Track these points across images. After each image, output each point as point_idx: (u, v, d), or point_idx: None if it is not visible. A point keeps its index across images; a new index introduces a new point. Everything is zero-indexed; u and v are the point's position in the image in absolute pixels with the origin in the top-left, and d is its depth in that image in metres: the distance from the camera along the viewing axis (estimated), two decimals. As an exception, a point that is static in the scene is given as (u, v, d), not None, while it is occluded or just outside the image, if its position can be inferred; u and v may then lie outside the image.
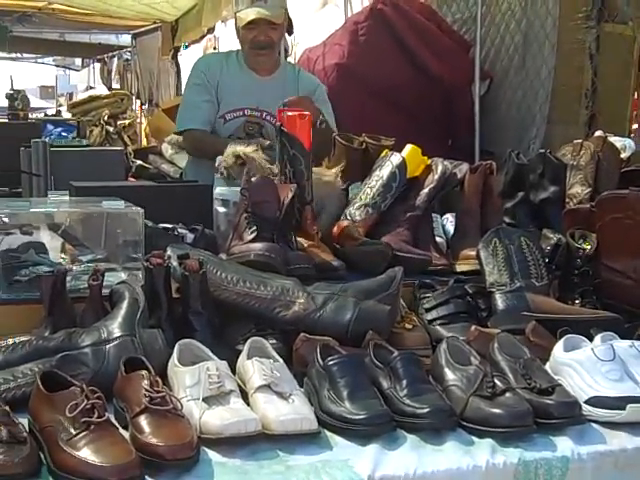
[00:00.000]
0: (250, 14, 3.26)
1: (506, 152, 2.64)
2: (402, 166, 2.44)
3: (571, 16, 4.16)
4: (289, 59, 5.36)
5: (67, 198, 2.53)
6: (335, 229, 2.35)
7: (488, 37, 4.59)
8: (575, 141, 2.88)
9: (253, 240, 2.12)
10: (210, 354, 1.69)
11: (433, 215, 2.59)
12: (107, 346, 1.68)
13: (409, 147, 2.53)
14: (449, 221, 2.69)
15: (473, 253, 2.24)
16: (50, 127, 8.86)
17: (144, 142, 8.96)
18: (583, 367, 1.70)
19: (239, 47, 3.44)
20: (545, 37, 4.27)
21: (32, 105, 12.11)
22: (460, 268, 2.35)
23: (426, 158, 2.53)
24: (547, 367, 1.76)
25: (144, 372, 1.52)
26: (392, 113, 4.02)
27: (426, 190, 2.45)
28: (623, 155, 2.90)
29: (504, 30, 4.53)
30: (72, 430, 1.37)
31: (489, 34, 4.60)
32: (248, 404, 1.57)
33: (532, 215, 2.56)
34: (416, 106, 4.33)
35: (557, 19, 4.25)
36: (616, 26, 3.94)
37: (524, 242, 2.14)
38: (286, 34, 3.80)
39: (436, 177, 2.47)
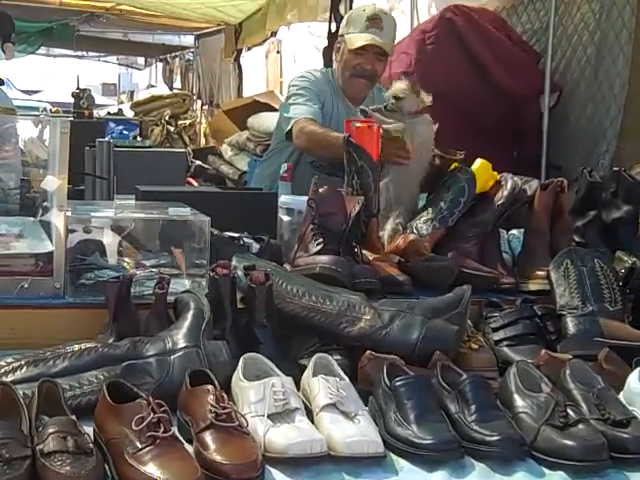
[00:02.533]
0: (362, 39, 3.09)
1: (574, 166, 2.59)
2: (472, 181, 2.40)
3: (647, 30, 4.06)
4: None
5: (133, 202, 2.54)
6: (401, 242, 2.31)
7: (559, 48, 4.48)
8: (650, 159, 2.79)
9: (319, 252, 2.10)
10: (275, 369, 1.67)
11: (499, 230, 2.54)
12: (172, 357, 1.68)
13: (479, 162, 2.48)
14: (515, 237, 2.62)
15: (542, 273, 2.19)
16: (112, 125, 9.01)
17: (203, 142, 9.04)
18: (660, 399, 1.64)
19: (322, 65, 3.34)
20: (620, 50, 4.15)
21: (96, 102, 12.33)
22: (529, 287, 2.29)
23: (496, 174, 2.47)
24: (621, 397, 1.70)
25: (210, 387, 1.50)
26: (459, 123, 3.93)
27: (495, 206, 2.39)
28: (701, 174, 2.80)
29: (576, 41, 4.42)
30: (138, 444, 1.36)
31: (560, 45, 4.48)
32: (312, 422, 1.55)
33: (604, 235, 2.50)
34: (483, 116, 4.24)
35: (633, 32, 4.13)
36: (692, 40, 3.82)
37: (597, 264, 2.08)
38: None
39: (505, 193, 2.41)
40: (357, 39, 3.11)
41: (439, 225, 2.37)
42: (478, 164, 2.48)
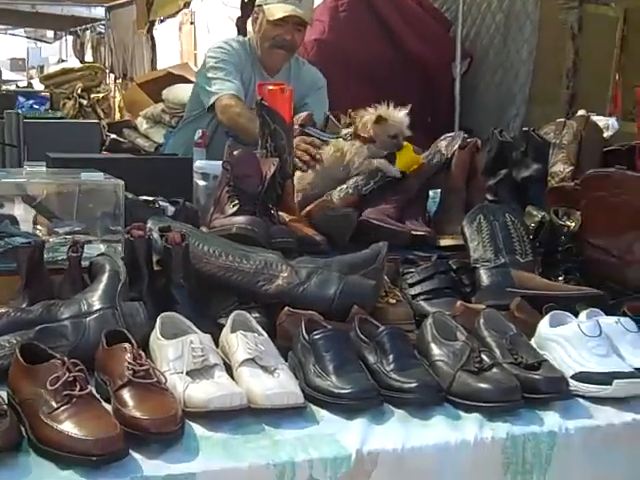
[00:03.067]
0: (281, 10, 3.07)
1: (485, 131, 2.63)
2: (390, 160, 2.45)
3: (554, -4, 4.17)
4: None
5: (44, 169, 2.48)
6: (311, 207, 2.33)
7: (469, 16, 4.57)
8: (558, 120, 2.87)
9: (235, 214, 2.09)
10: (193, 327, 1.66)
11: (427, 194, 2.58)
12: (87, 319, 1.65)
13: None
14: (431, 198, 2.66)
15: (457, 228, 2.23)
16: (22, 99, 8.72)
17: (118, 116, 8.85)
18: (569, 342, 1.70)
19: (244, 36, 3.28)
20: (527, 17, 4.27)
21: (4, 78, 11.92)
22: (444, 243, 2.34)
23: (419, 158, 2.50)
24: (532, 343, 1.76)
25: (127, 345, 1.48)
26: (372, 90, 3.95)
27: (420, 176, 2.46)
28: (605, 134, 2.89)
29: (485, 9, 4.51)
30: (53, 403, 1.33)
31: (470, 13, 4.58)
32: (232, 378, 1.55)
33: (515, 193, 2.55)
34: (396, 84, 4.27)
35: (539, -1, 4.25)
36: (599, 7, 3.94)
37: (509, 219, 2.13)
38: None
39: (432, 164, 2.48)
40: (277, 10, 3.09)
41: (352, 191, 2.40)
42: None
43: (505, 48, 4.45)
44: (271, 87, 2.34)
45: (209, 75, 3.15)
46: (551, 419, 1.54)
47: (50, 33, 15.81)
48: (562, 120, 2.85)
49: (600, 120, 2.89)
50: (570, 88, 4.02)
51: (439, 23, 4.60)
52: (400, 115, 2.45)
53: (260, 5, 3.19)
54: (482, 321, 1.76)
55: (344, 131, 2.51)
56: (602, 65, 3.94)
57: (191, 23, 9.29)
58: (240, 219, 2.06)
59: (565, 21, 4.10)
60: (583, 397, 1.62)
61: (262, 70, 3.22)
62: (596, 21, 3.97)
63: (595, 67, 3.96)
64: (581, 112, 2.94)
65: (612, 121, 2.97)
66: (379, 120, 2.43)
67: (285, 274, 1.87)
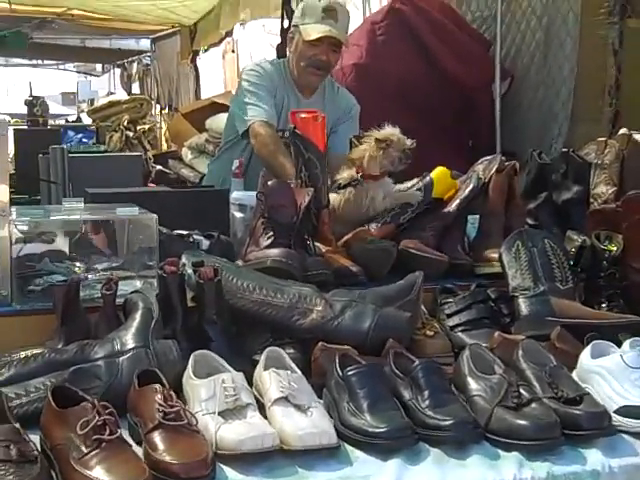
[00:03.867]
0: (317, 31, 3.06)
1: (527, 152, 2.58)
2: (428, 186, 2.43)
3: (593, 12, 4.07)
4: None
5: (82, 205, 2.50)
6: (349, 237, 2.31)
7: (509, 35, 4.51)
8: (599, 139, 2.81)
9: (270, 246, 2.08)
10: (226, 365, 1.65)
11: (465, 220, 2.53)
12: (120, 358, 1.65)
13: (438, 169, 2.49)
14: (470, 224, 2.60)
15: (495, 255, 2.19)
16: (71, 134, 8.91)
17: (164, 147, 8.96)
18: (612, 375, 1.64)
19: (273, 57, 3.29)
20: (567, 34, 4.19)
21: (55, 112, 12.20)
22: (482, 271, 2.29)
23: (456, 182, 2.48)
24: (574, 375, 1.71)
25: (157, 386, 1.47)
26: (411, 114, 3.92)
27: (457, 201, 2.41)
28: (649, 153, 2.83)
29: (525, 27, 4.45)
30: (83, 448, 1.33)
31: (510, 32, 4.52)
32: (266, 417, 1.53)
33: (555, 216, 2.50)
34: (435, 107, 4.24)
35: (579, 15, 4.16)
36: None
37: (548, 244, 2.08)
38: None
39: (467, 190, 2.43)
40: (312, 30, 3.09)
41: (390, 220, 2.38)
42: (437, 171, 2.49)
43: (546, 66, 4.38)
44: (304, 115, 2.34)
45: (243, 100, 3.15)
46: (594, 457, 1.49)
47: (99, 66, 16.13)
48: (603, 139, 2.80)
49: (643, 138, 2.83)
50: (613, 105, 3.93)
51: (478, 43, 4.55)
52: (387, 130, 2.40)
53: (297, 25, 3.20)
54: (521, 353, 1.71)
55: (344, 176, 2.44)
56: (645, 81, 3.85)
57: (233, 51, 9.38)
58: (275, 251, 2.05)
59: (606, 37, 4.01)
60: (627, 433, 1.56)
61: (296, 91, 3.22)
62: (637, 36, 3.88)
63: (638, 83, 3.86)
64: (623, 131, 2.88)
65: (656, 139, 2.90)
66: (370, 149, 2.39)
67: (319, 307, 1.85)
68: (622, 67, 3.96)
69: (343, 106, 3.25)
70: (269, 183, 2.18)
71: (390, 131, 2.42)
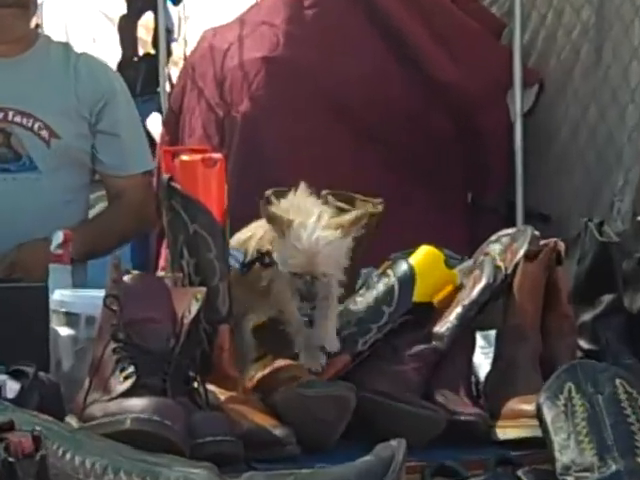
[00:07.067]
0: None
1: (570, 215, 1.84)
2: (407, 281, 1.64)
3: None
4: (176, 47, 4.19)
5: None
6: (265, 373, 1.57)
7: (534, 11, 3.03)
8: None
9: (129, 393, 1.52)
10: None
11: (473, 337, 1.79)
12: None
13: (424, 250, 1.71)
14: (479, 347, 1.88)
15: (528, 408, 1.55)
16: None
17: None
18: None
19: None
20: (635, 13, 2.79)
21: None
22: (504, 434, 1.61)
23: (454, 273, 1.71)
24: None
25: None
26: (364, 144, 2.73)
27: (458, 309, 1.66)
28: None
29: (560, 2, 3.00)
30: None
31: (535, 6, 3.03)
32: None
33: (629, 334, 1.83)
34: (411, 134, 2.90)
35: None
36: None
37: (621, 389, 1.52)
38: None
39: (477, 289, 1.68)
40: None
41: (343, 349, 1.61)
42: (422, 253, 1.70)
43: (600, 65, 2.91)
44: (186, 157, 1.59)
45: None
46: None
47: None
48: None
49: None
50: None
51: (482, 25, 3.07)
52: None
53: None
54: None
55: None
56: None
57: None
58: (137, 404, 1.49)
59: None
60: None
61: None
62: None
63: None
64: None
65: None
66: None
67: (222, 512, 1.32)
68: None
69: (89, 89, 2.30)
70: (127, 278, 1.54)
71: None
